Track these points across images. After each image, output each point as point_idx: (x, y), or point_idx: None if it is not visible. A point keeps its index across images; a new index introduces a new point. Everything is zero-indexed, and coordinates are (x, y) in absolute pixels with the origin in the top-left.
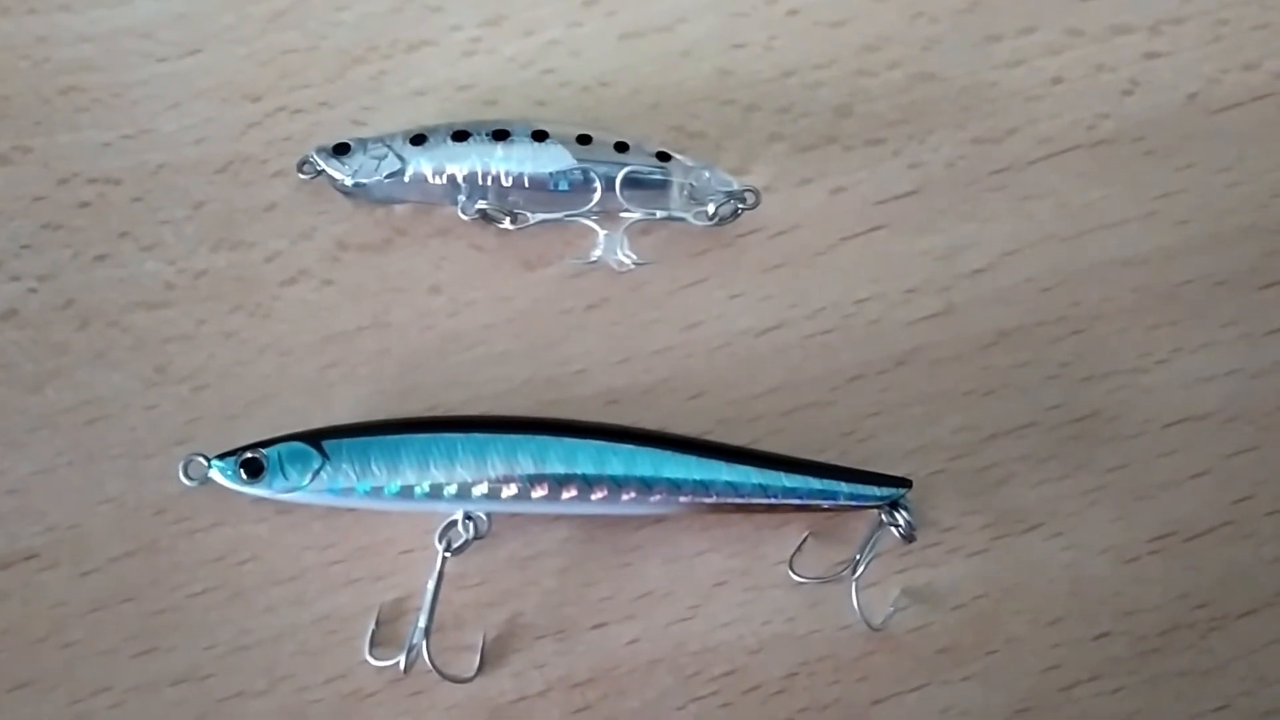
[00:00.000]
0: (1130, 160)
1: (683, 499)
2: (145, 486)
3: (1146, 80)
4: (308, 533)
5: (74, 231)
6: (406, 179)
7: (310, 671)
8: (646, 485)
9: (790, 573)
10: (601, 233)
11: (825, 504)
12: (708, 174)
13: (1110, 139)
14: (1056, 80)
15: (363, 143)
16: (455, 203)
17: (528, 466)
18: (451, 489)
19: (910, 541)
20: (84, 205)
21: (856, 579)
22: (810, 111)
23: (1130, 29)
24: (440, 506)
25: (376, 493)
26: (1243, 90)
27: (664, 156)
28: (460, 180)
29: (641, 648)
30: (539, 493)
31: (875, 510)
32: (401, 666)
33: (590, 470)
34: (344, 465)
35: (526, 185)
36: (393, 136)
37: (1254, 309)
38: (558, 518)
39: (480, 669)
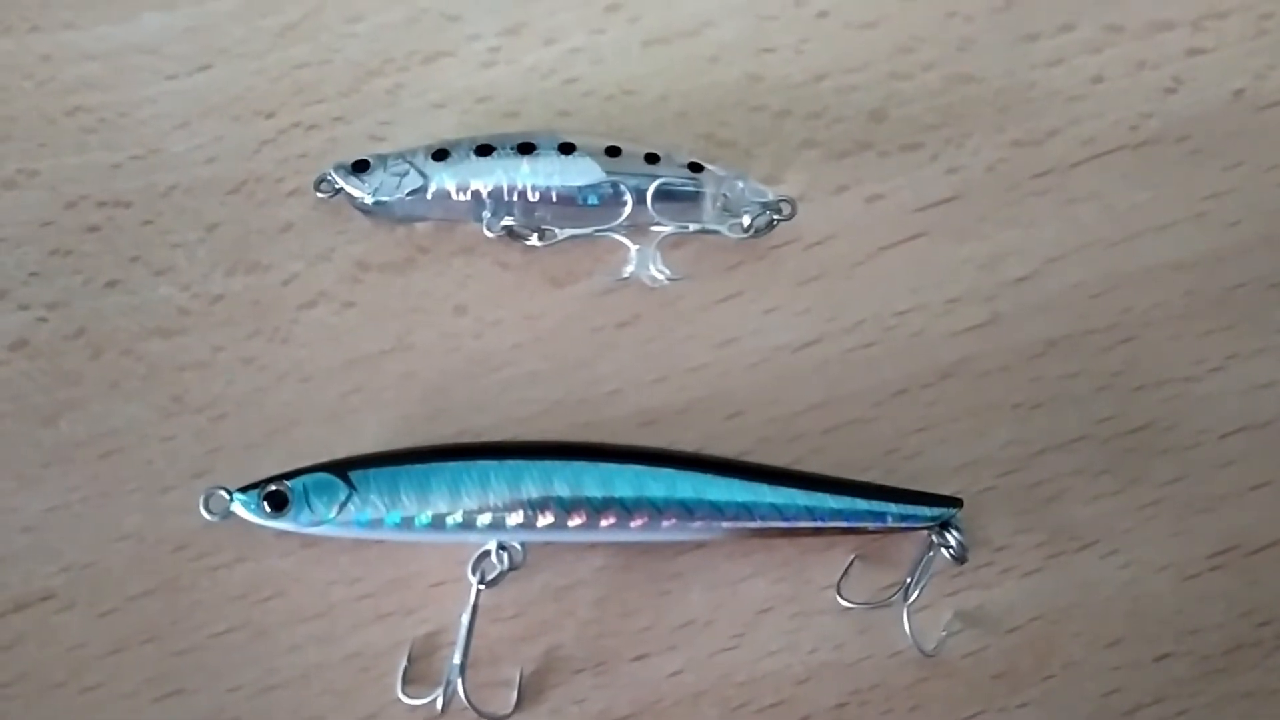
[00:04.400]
0: (1177, 160)
1: (725, 524)
2: (164, 521)
3: (1190, 77)
4: (335, 567)
5: (83, 257)
6: (429, 196)
7: (340, 712)
8: (688, 510)
9: (838, 598)
10: (633, 247)
11: (873, 526)
12: (741, 185)
13: (1155, 139)
14: (1097, 79)
15: (383, 159)
16: (479, 219)
17: (564, 494)
18: (485, 518)
19: (962, 563)
20: (93, 229)
21: (909, 604)
22: (844, 116)
23: (1172, 25)
24: (473, 537)
25: (407, 524)
26: None
27: (696, 167)
28: (485, 196)
29: (685, 680)
30: (576, 521)
31: (925, 531)
32: (439, 705)
33: (629, 496)
34: (372, 496)
35: (554, 200)
36: (414, 152)
37: None
38: (594, 545)
39: (518, 705)
